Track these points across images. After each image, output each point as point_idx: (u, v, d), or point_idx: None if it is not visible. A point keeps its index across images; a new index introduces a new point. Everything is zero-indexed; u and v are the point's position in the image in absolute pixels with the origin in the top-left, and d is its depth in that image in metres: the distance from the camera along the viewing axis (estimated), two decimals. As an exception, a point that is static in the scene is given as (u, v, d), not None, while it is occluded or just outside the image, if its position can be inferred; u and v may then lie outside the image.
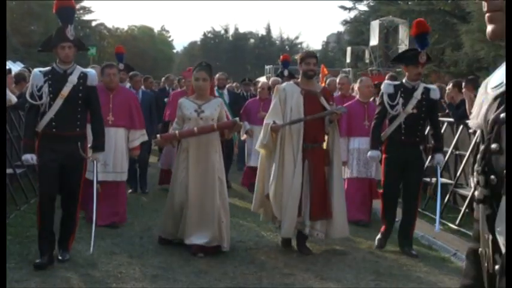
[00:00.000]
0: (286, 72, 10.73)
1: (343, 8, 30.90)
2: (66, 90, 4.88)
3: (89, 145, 5.42)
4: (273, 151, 5.52)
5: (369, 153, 5.84)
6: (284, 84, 5.80)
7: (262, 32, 62.21)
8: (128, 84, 8.92)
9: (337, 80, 8.82)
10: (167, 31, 60.24)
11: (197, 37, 67.72)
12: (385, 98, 5.69)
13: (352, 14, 31.62)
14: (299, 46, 56.52)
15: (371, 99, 7.52)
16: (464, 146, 7.95)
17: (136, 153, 6.97)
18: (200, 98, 5.48)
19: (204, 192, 5.42)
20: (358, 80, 7.59)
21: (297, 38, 62.04)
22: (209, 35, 62.16)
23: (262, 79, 11.51)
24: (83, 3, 39.71)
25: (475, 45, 17.34)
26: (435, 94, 5.79)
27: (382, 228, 6.03)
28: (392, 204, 5.97)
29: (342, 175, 5.89)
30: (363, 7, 30.71)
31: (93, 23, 43.89)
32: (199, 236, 5.33)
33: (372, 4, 29.35)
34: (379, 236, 6.01)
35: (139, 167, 8.82)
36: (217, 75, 9.71)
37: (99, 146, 5.24)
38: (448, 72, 19.09)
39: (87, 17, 42.68)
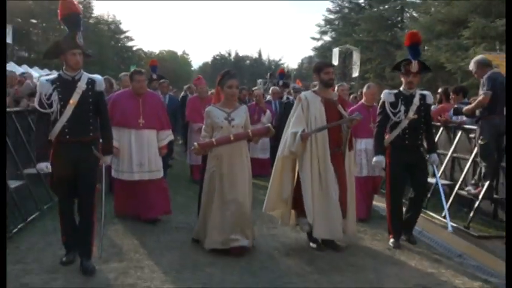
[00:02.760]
0: (281, 82, 13.09)
1: (314, 38, 39.26)
2: (76, 97, 4.43)
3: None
4: (301, 157, 5.16)
5: (374, 158, 5.54)
6: (305, 93, 5.39)
7: (255, 55, 78.23)
8: (158, 91, 9.26)
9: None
10: (187, 54, 76.60)
11: (209, 58, 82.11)
12: (387, 106, 5.43)
13: (320, 43, 39.00)
14: (282, 65, 63.90)
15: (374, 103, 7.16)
16: (462, 149, 7.56)
17: (165, 152, 6.58)
18: (228, 106, 5.05)
19: (242, 197, 5.00)
20: (366, 86, 7.14)
21: (280, 59, 75.81)
22: (217, 57, 78.11)
23: (257, 88, 13.02)
24: (128, 34, 50.84)
25: None
26: (430, 99, 5.60)
27: (389, 230, 5.70)
28: (399, 208, 5.65)
29: (352, 177, 5.51)
30: (327, 38, 38.18)
31: (134, 48, 52.86)
32: (241, 238, 4.98)
33: (334, 36, 36.66)
34: (391, 241, 5.60)
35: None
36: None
37: (108, 149, 4.82)
38: (387, 84, 21.98)
39: (130, 44, 52.04)
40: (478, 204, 6.46)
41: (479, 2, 17.51)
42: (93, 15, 44.89)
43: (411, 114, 5.35)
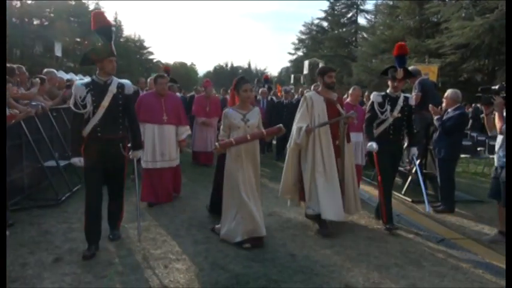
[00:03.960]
0: (266, 86, 13.24)
1: (290, 53, 41.24)
2: (107, 100, 3.89)
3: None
4: (304, 149, 4.71)
5: (369, 144, 4.93)
6: (309, 93, 4.90)
7: (246, 65, 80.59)
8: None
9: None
10: (194, 65, 78.11)
11: (211, 68, 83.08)
12: (376, 106, 5.00)
13: (294, 56, 40.46)
14: (266, 73, 65.38)
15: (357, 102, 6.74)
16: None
17: (184, 145, 6.12)
18: (243, 108, 4.41)
19: (256, 189, 4.37)
20: (352, 88, 6.66)
21: (265, 69, 77.74)
22: (217, 67, 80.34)
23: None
24: (150, 49, 51.23)
25: (360, 74, 21.98)
26: (412, 101, 5.13)
27: (384, 216, 4.92)
28: (391, 195, 5.03)
29: (353, 164, 5.00)
30: (300, 53, 39.18)
31: (154, 60, 52.66)
32: (257, 230, 4.20)
33: (305, 51, 37.62)
34: (388, 226, 4.84)
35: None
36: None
37: (138, 145, 4.28)
38: (345, 88, 23.23)
39: (151, 57, 52.46)
40: (411, 177, 6.46)
41: (412, 26, 17.49)
42: (123, 35, 44.93)
43: (396, 113, 4.97)
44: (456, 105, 5.74)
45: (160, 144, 5.59)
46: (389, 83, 5.08)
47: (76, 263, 3.64)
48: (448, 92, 5.90)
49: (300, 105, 4.88)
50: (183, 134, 5.83)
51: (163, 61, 57.90)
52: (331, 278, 3.52)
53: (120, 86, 4.00)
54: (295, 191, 4.90)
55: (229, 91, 9.32)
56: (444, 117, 5.72)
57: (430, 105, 5.87)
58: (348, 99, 6.66)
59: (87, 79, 4.14)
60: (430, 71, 11.03)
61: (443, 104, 5.90)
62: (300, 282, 3.44)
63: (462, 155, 7.68)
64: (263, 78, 17.01)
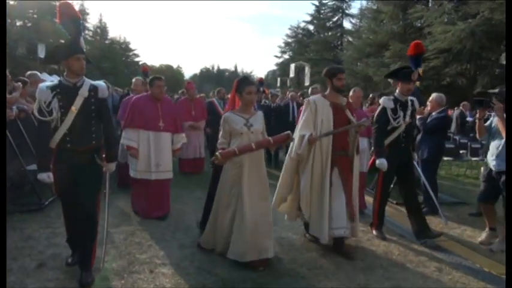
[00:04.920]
0: (261, 89, 11.88)
1: (276, 56, 41.65)
2: (77, 104, 3.32)
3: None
4: (304, 160, 4.17)
5: (378, 161, 4.53)
6: (313, 97, 4.35)
7: (232, 68, 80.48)
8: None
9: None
10: (181, 67, 75.98)
11: (197, 70, 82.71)
12: (389, 112, 4.52)
13: (281, 60, 40.58)
14: (253, 76, 66.01)
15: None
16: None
17: (178, 154, 5.57)
18: (246, 112, 3.89)
19: (262, 205, 3.79)
20: (352, 90, 5.96)
21: (251, 72, 77.70)
22: (203, 69, 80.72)
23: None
24: (135, 52, 49.41)
25: (345, 78, 22.25)
26: (417, 104, 4.77)
27: (375, 223, 4.77)
28: (386, 201, 4.87)
29: (357, 179, 4.35)
30: (286, 56, 39.15)
31: (140, 62, 49.83)
32: (260, 251, 3.70)
33: (291, 55, 37.42)
34: (376, 233, 4.73)
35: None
36: (217, 89, 9.86)
37: (113, 156, 3.63)
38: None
39: (136, 59, 50.85)
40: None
41: (397, 30, 17.74)
42: (108, 37, 44.47)
43: (408, 119, 4.59)
44: (441, 108, 5.85)
45: (156, 154, 5.01)
46: (398, 85, 4.61)
47: (60, 269, 3.58)
48: (433, 95, 5.99)
49: (302, 110, 4.34)
50: (179, 142, 5.29)
51: (149, 63, 57.78)
52: (317, 281, 3.53)
53: (93, 89, 3.41)
54: (292, 204, 4.37)
55: (215, 92, 9.31)
56: (428, 120, 5.83)
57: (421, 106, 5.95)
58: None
59: (54, 81, 3.54)
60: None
61: (428, 108, 6.00)
62: (286, 285, 3.45)
63: (445, 158, 7.81)
64: (258, 81, 16.25)
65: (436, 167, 6.06)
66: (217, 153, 3.70)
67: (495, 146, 4.48)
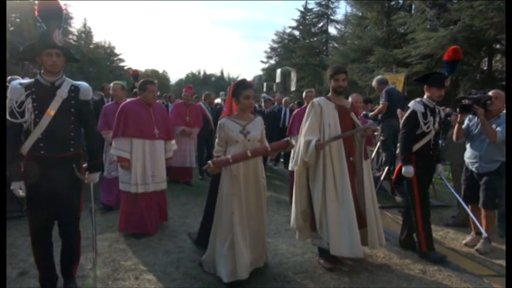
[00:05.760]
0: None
1: (262, 61, 41.08)
2: (54, 106, 2.96)
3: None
4: (313, 167, 3.83)
5: (405, 168, 4.22)
6: (317, 99, 3.98)
7: (218, 73, 78.25)
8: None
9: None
10: (166, 72, 75.46)
11: (183, 75, 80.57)
12: (420, 116, 4.22)
13: (267, 65, 39.96)
14: (252, 79, 65.22)
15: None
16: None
17: (171, 162, 5.21)
18: (243, 118, 3.62)
19: (257, 219, 3.58)
20: (350, 96, 5.71)
21: (237, 77, 76.23)
22: (189, 74, 77.73)
23: (218, 99, 12.38)
24: (120, 56, 48.33)
25: None
26: (442, 112, 4.54)
27: (424, 244, 4.25)
28: (429, 216, 4.37)
29: (373, 185, 4.08)
30: (272, 61, 38.80)
31: (125, 67, 49.37)
32: (251, 263, 3.56)
33: (277, 60, 37.27)
34: (431, 255, 4.23)
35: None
36: (206, 93, 9.32)
37: (96, 166, 3.29)
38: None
39: (122, 64, 49.60)
40: (380, 183, 6.59)
41: (381, 36, 18.01)
42: (93, 41, 44.09)
43: (437, 125, 4.34)
44: (423, 112, 5.95)
45: (151, 163, 4.67)
46: (428, 90, 4.32)
47: (42, 277, 3.52)
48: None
49: (306, 114, 3.99)
50: (170, 150, 4.99)
51: (134, 68, 57.39)
52: (303, 285, 3.54)
53: (74, 90, 3.06)
54: (305, 219, 3.95)
55: (203, 97, 9.06)
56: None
57: (399, 109, 6.06)
58: None
59: (28, 79, 3.15)
60: (397, 80, 11.39)
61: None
62: (272, 289, 3.47)
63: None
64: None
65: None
66: (209, 161, 3.43)
67: (476, 149, 4.60)
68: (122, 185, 4.70)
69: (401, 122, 4.47)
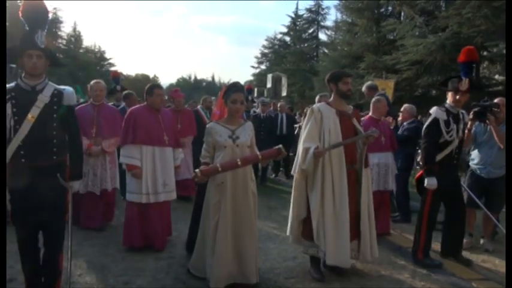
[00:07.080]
0: (250, 97, 10.45)
1: (253, 67, 40.57)
2: (35, 111, 2.80)
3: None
4: (311, 175, 3.67)
5: (428, 180, 4.03)
6: (317, 104, 3.87)
7: (210, 78, 78.83)
8: (123, 103, 6.96)
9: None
10: (157, 77, 72.23)
11: (174, 80, 79.58)
12: (442, 124, 4.02)
13: (258, 70, 39.56)
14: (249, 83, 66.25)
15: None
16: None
17: (179, 171, 4.97)
18: (231, 123, 3.46)
19: (245, 229, 3.37)
20: (376, 99, 5.37)
21: (229, 81, 77.37)
22: (181, 79, 76.69)
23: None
24: (111, 61, 46.24)
25: (321, 88, 20.76)
26: (466, 117, 4.30)
27: (421, 248, 4.20)
28: (434, 226, 4.26)
29: (371, 195, 3.89)
30: (263, 67, 38.55)
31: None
32: (239, 275, 3.40)
33: (268, 65, 37.12)
34: (427, 261, 4.18)
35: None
36: (203, 97, 9.14)
37: (77, 174, 3.07)
38: (309, 102, 23.60)
39: (112, 68, 48.13)
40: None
41: (370, 43, 18.21)
42: (83, 46, 43.86)
43: (461, 133, 4.13)
44: (412, 119, 6.06)
45: (162, 172, 4.39)
46: (449, 96, 4.15)
47: (30, 283, 3.47)
48: (405, 106, 6.19)
49: (306, 120, 3.82)
50: (178, 158, 4.68)
51: (124, 73, 57.10)
52: (293, 290, 3.55)
53: (57, 94, 2.89)
54: (299, 224, 3.83)
55: (201, 100, 8.60)
56: (400, 130, 5.99)
57: (388, 116, 6.14)
58: (371, 113, 5.37)
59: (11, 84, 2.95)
60: (387, 86, 11.52)
61: (400, 118, 6.20)
62: (263, 295, 3.46)
63: (417, 167, 8.03)
64: (246, 89, 14.80)
65: (408, 175, 6.22)
66: (196, 170, 3.26)
67: (486, 155, 4.69)
68: (130, 195, 4.39)
69: (423, 130, 4.25)
